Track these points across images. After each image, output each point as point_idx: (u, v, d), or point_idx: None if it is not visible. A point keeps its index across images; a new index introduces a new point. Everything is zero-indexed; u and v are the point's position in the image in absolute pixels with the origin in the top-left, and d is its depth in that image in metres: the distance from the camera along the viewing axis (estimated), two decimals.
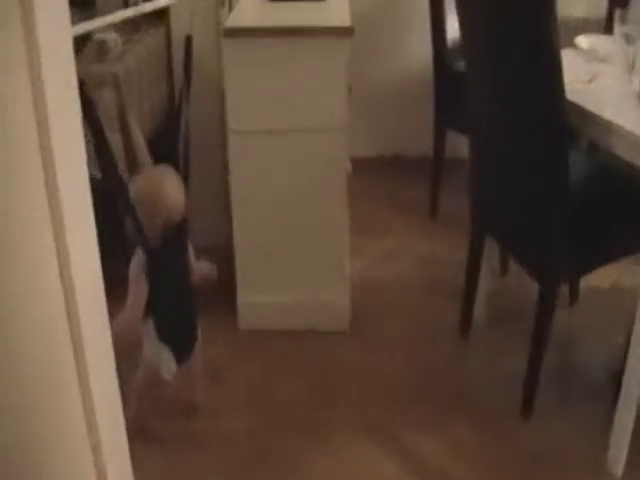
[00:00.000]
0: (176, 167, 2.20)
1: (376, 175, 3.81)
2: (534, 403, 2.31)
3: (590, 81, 2.34)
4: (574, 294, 2.83)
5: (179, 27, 2.94)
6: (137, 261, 2.07)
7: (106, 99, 2.49)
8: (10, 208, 1.04)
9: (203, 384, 2.38)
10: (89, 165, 2.28)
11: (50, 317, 1.18)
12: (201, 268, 2.26)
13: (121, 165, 2.42)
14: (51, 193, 1.13)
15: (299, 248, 2.67)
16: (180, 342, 2.17)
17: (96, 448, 1.30)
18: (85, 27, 2.01)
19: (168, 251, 2.10)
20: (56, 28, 1.12)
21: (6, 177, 1.03)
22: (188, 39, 2.39)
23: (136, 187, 2.09)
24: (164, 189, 2.07)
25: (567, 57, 1.98)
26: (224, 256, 2.66)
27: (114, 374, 1.43)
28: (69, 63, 1.17)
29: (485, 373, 2.53)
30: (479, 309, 2.71)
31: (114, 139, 2.45)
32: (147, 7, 2.37)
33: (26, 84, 1.05)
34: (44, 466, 1.18)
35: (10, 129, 1.03)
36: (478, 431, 2.28)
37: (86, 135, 2.07)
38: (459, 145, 3.33)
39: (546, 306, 2.23)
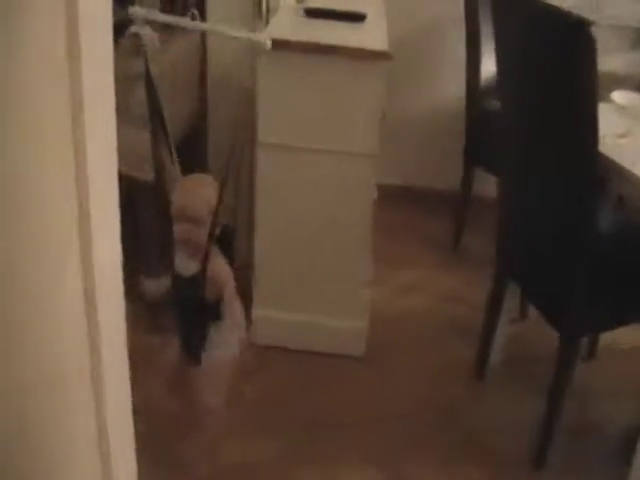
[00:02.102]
0: (204, 170, 2.15)
1: (400, 204, 3.75)
2: (547, 455, 2.23)
3: (623, 136, 2.30)
4: (592, 350, 2.75)
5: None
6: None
7: (138, 96, 2.43)
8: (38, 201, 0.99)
9: None
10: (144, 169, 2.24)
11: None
12: None
13: (147, 166, 2.36)
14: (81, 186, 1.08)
15: (320, 269, 2.62)
16: None
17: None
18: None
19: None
20: (99, 23, 1.08)
21: (37, 167, 0.98)
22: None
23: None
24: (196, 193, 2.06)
25: (601, 111, 1.94)
26: (243, 268, 2.61)
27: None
28: (108, 58, 1.12)
29: (498, 417, 2.46)
30: (496, 351, 2.63)
31: (143, 138, 2.39)
32: None
33: (64, 71, 1.00)
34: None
35: (43, 119, 0.98)
36: (486, 478, 2.19)
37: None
38: (487, 183, 3.30)
39: (566, 358, 2.16)
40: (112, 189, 1.21)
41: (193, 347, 2.08)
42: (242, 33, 2.65)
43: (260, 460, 2.20)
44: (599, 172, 2.00)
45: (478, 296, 2.68)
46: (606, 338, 2.68)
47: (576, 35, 1.86)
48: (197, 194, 2.08)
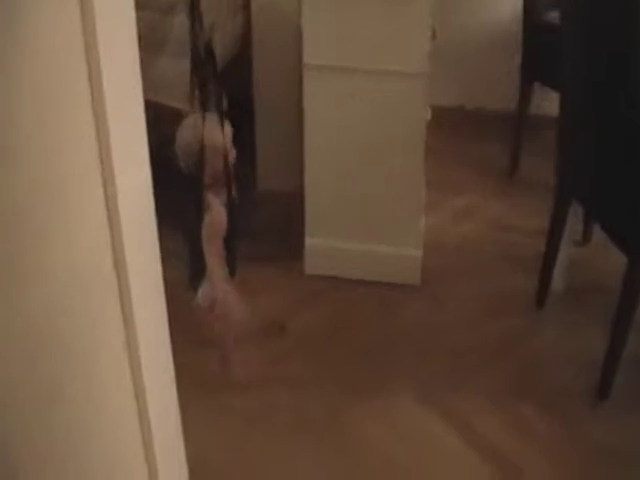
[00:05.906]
0: (245, 99, 2.05)
1: (455, 127, 3.61)
2: (611, 387, 2.13)
3: None
4: None
5: None
6: None
7: (178, 24, 2.35)
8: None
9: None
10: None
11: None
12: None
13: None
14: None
15: (373, 195, 2.54)
16: None
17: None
18: None
19: None
20: None
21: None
22: None
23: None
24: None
25: None
26: (295, 198, 2.57)
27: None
28: None
29: (559, 348, 2.36)
30: (557, 278, 2.53)
31: (183, 66, 2.32)
32: None
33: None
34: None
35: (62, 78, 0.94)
36: (545, 413, 2.10)
37: None
38: (546, 100, 3.15)
39: (634, 280, 2.04)
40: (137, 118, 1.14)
41: None
42: None
43: (308, 388, 2.18)
44: None
45: (536, 223, 2.58)
46: None
47: None
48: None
